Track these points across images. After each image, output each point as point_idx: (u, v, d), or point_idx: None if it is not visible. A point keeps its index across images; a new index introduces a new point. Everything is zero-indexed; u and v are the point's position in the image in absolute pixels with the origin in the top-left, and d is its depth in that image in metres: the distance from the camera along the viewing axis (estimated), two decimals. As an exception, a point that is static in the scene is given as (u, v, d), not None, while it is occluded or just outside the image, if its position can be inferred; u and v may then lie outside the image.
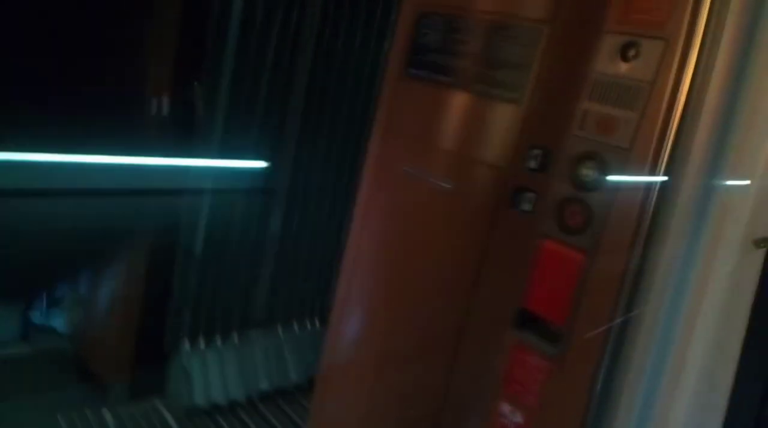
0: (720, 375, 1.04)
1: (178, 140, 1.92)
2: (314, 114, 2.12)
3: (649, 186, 0.91)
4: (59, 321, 2.32)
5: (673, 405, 1.02)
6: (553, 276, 0.99)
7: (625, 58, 0.95)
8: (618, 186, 0.94)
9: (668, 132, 0.91)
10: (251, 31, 1.92)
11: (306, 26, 2.03)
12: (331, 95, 2.15)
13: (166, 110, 1.88)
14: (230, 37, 1.89)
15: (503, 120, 1.10)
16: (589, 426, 0.95)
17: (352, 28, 2.14)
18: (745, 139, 0.96)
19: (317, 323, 2.37)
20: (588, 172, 0.97)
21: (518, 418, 1.02)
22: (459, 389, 1.11)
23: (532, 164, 1.05)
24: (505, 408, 1.04)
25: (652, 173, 0.91)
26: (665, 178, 0.91)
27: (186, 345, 2.06)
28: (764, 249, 0.99)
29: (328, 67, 2.11)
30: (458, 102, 1.17)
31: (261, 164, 2.08)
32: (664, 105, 0.91)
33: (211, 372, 2.08)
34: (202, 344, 2.09)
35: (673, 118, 0.91)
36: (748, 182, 0.99)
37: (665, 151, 0.91)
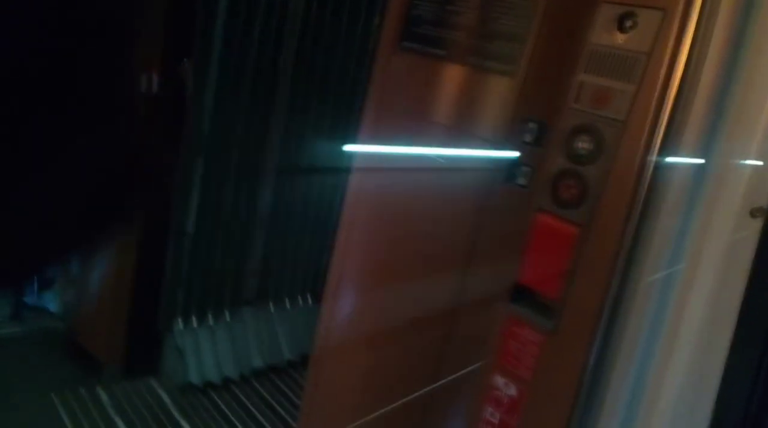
0: (715, 346, 1.05)
1: (168, 117, 1.90)
2: (305, 89, 2.10)
3: (644, 158, 0.90)
4: (52, 301, 2.31)
5: (666, 378, 1.02)
6: (548, 250, 0.99)
7: (621, 29, 0.94)
8: (614, 159, 0.93)
9: (665, 104, 0.90)
10: (239, 6, 1.88)
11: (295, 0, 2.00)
12: (322, 70, 2.12)
13: (155, 87, 1.86)
14: (219, 13, 1.86)
15: (498, 93, 1.08)
16: (582, 399, 0.96)
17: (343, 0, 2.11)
18: (742, 110, 0.95)
19: (309, 299, 2.37)
20: (583, 145, 0.96)
21: (512, 391, 1.03)
22: (453, 362, 1.12)
23: (527, 138, 1.03)
24: (499, 380, 1.04)
25: (648, 145, 0.90)
26: (661, 150, 0.90)
27: (179, 324, 2.06)
28: (761, 220, 0.99)
29: (319, 42, 2.08)
30: (452, 75, 1.15)
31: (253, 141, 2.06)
32: (661, 76, 0.90)
33: (204, 350, 2.09)
34: (194, 322, 2.09)
35: (669, 89, 0.90)
36: (744, 153, 0.99)
37: (661, 123, 0.90)
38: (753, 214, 0.99)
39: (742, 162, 0.99)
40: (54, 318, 2.29)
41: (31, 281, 2.25)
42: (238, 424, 1.98)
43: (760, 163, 0.98)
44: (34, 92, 0.35)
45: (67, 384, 1.97)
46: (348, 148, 1.36)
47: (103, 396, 1.96)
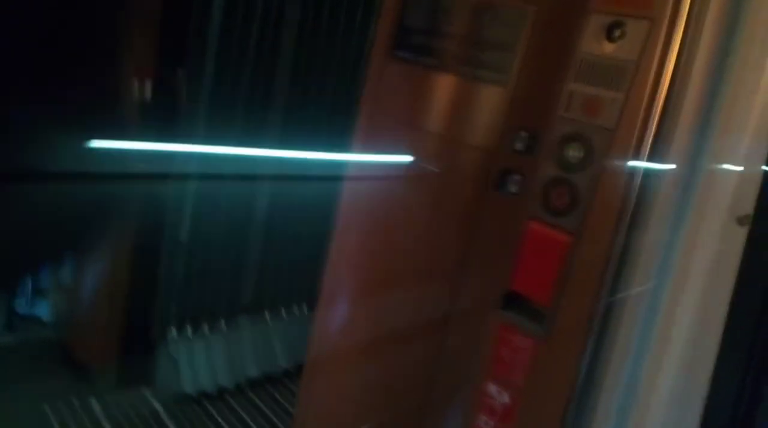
0: (703, 352, 1.06)
1: (161, 125, 1.90)
2: (299, 98, 2.11)
3: (634, 166, 0.91)
4: (44, 310, 2.30)
5: (657, 383, 1.03)
6: (539, 257, 1.00)
7: (610, 38, 0.95)
8: (603, 167, 0.94)
9: (653, 112, 0.91)
10: (234, 14, 1.89)
11: (290, 8, 2.01)
12: (317, 78, 2.13)
13: (148, 96, 1.86)
14: (213, 21, 1.87)
15: (489, 102, 1.10)
16: (575, 405, 0.96)
17: (337, 9, 2.12)
18: (729, 118, 0.97)
19: (305, 309, 2.37)
20: (573, 153, 0.97)
21: (505, 398, 1.03)
22: (446, 370, 1.12)
23: (519, 146, 1.04)
24: (492, 388, 1.04)
25: (637, 153, 0.91)
26: (650, 158, 0.92)
27: (173, 333, 2.05)
28: (747, 227, 1.00)
29: (313, 51, 2.09)
30: (444, 84, 1.16)
31: (245, 150, 2.06)
32: (650, 85, 0.91)
33: (198, 359, 2.08)
34: (189, 332, 2.08)
35: (658, 97, 0.91)
36: (731, 160, 1.00)
37: (650, 131, 0.91)
38: (740, 221, 1.00)
39: (730, 169, 1.00)
40: (46, 328, 2.27)
41: (24, 290, 2.24)
42: (232, 434, 1.97)
43: (747, 170, 1.00)
44: (28, 98, 0.36)
45: (60, 394, 1.95)
46: (342, 156, 1.37)
47: (96, 407, 1.95)
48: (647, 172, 0.92)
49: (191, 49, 1.87)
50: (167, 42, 1.85)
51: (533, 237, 1.00)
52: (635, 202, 0.92)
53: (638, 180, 0.92)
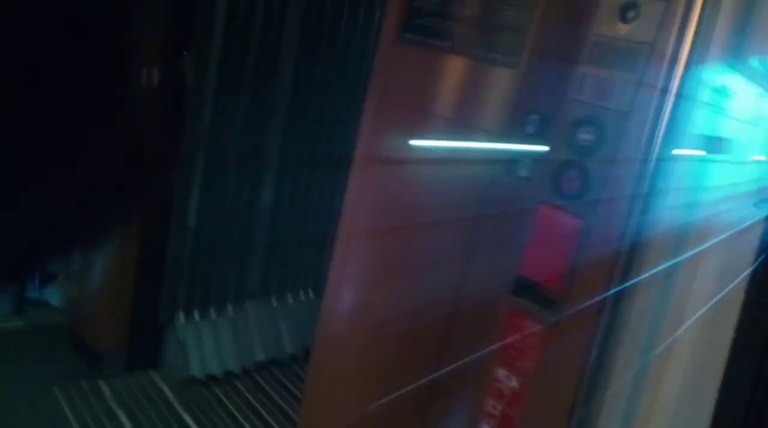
0: (717, 338, 1.05)
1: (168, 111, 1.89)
2: (306, 80, 2.09)
3: (647, 150, 0.90)
4: (54, 295, 2.32)
5: (669, 369, 1.02)
6: (550, 242, 0.99)
7: (624, 20, 0.93)
8: (616, 150, 0.93)
9: (668, 95, 0.89)
10: (241, -1, 1.87)
11: (297, -8, 1.99)
12: (324, 62, 2.12)
13: (155, 81, 1.85)
14: (220, 5, 1.86)
15: (500, 85, 1.08)
16: (584, 391, 0.96)
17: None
18: (746, 103, 0.95)
19: (311, 294, 2.37)
20: (586, 137, 0.95)
21: (514, 383, 1.03)
22: (455, 355, 1.12)
23: (530, 129, 1.03)
24: (501, 372, 1.04)
25: (651, 137, 0.90)
26: (664, 142, 0.90)
27: (181, 318, 2.06)
28: (764, 211, 0.99)
29: (320, 34, 2.07)
30: (454, 67, 1.15)
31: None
32: (664, 67, 0.89)
33: (206, 343, 2.09)
34: (196, 316, 2.09)
35: (672, 80, 0.89)
36: (748, 144, 0.98)
37: (664, 115, 0.90)
38: (757, 206, 0.98)
39: (746, 153, 0.99)
40: (56, 313, 2.29)
41: (33, 276, 2.26)
42: (239, 417, 1.98)
43: (764, 154, 0.98)
44: (35, 86, 0.35)
45: (69, 377, 1.97)
46: (350, 140, 1.35)
47: (105, 390, 1.97)
48: (661, 156, 0.90)
49: (198, 32, 1.85)
50: (174, 26, 1.83)
51: (544, 222, 0.99)
52: (648, 187, 0.91)
53: (652, 164, 0.90)
